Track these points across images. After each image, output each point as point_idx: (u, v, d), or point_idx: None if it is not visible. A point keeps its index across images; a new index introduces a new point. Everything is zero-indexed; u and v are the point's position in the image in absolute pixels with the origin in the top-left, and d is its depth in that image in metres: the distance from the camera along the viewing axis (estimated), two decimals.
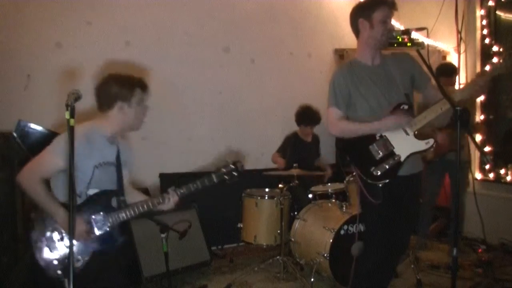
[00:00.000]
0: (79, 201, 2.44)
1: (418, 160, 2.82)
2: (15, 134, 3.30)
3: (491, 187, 5.09)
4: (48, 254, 2.36)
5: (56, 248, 2.39)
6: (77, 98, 1.96)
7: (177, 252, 3.91)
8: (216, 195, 4.98)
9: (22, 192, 3.32)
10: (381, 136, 2.69)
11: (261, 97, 5.57)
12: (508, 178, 5.00)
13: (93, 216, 2.45)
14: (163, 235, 3.08)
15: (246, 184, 4.67)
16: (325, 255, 3.76)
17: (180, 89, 5.09)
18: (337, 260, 3.75)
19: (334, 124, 2.81)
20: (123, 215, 2.51)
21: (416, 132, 2.70)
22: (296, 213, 4.43)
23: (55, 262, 2.36)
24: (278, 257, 4.19)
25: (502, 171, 5.07)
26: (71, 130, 1.87)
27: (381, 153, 2.67)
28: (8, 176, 3.34)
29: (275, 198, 4.33)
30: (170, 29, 4.99)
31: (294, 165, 4.42)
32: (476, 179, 5.21)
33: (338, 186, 4.55)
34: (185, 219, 3.93)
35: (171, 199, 2.63)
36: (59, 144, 2.40)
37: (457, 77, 4.71)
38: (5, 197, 3.31)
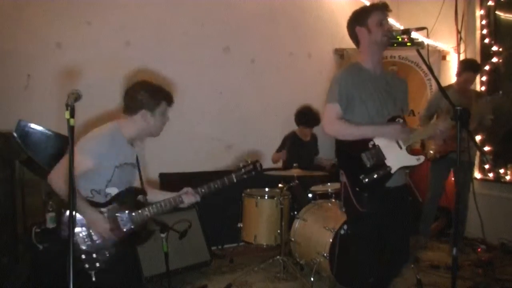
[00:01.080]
0: (98, 199, 2.56)
1: (403, 174, 2.82)
2: (15, 134, 3.30)
3: (490, 187, 5.10)
4: (76, 249, 2.45)
5: (83, 243, 2.50)
6: (77, 98, 1.96)
7: (177, 252, 3.91)
8: (216, 195, 5.00)
9: (22, 193, 3.34)
10: (374, 146, 2.68)
11: (261, 97, 5.57)
12: (508, 178, 5.01)
13: (118, 214, 2.57)
14: (163, 235, 3.08)
15: (246, 184, 4.67)
16: (325, 255, 3.77)
17: (180, 89, 5.07)
18: (337, 259, 3.75)
19: (331, 123, 2.74)
20: (146, 213, 2.65)
21: (408, 147, 2.71)
22: (296, 212, 4.43)
23: (83, 256, 2.48)
24: (278, 257, 4.19)
25: (502, 171, 5.07)
26: (71, 130, 1.87)
27: (372, 162, 2.65)
28: (8, 176, 3.34)
29: (275, 198, 4.34)
30: (170, 29, 4.99)
31: (294, 164, 4.42)
32: (476, 179, 5.22)
33: (338, 185, 4.53)
34: (185, 219, 3.93)
35: (191, 197, 2.77)
36: (86, 144, 2.51)
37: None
38: (5, 197, 3.31)
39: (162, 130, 2.81)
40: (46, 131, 3.53)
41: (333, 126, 2.74)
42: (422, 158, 2.70)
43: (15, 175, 3.38)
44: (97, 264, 2.49)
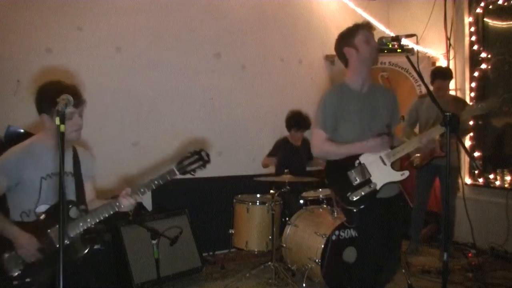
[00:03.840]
0: (29, 220, 2.36)
1: (394, 185, 2.87)
2: (4, 139, 3.28)
3: (480, 192, 5.14)
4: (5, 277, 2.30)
5: (13, 268, 2.31)
6: (67, 104, 1.95)
7: (168, 259, 3.89)
8: (207, 201, 5.01)
9: None
10: (359, 164, 2.77)
11: (252, 103, 5.57)
12: (497, 183, 5.05)
13: (49, 230, 2.33)
14: (154, 241, 3.06)
15: (237, 190, 4.67)
16: (317, 260, 3.77)
17: (171, 95, 5.08)
18: (329, 265, 3.75)
19: (318, 146, 2.89)
20: (81, 224, 2.37)
21: (392, 163, 2.77)
22: (287, 218, 4.43)
23: (15, 282, 2.29)
24: (269, 263, 4.18)
25: (491, 176, 5.11)
26: (61, 136, 1.85)
27: (358, 179, 2.74)
28: None
29: (266, 204, 4.34)
30: (161, 35, 4.99)
31: (286, 170, 4.42)
32: (466, 184, 5.25)
33: (329, 191, 4.54)
34: (176, 225, 3.92)
35: (129, 199, 2.42)
36: (3, 164, 2.37)
37: (450, 83, 4.79)
38: None
39: (78, 134, 2.49)
40: None
41: (320, 149, 2.90)
42: (406, 173, 2.77)
43: None
44: None
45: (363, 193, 2.71)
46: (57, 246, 2.28)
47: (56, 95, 2.13)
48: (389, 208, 2.82)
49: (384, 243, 2.79)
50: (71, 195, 2.50)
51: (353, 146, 2.77)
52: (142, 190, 2.47)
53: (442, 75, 4.62)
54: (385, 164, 2.76)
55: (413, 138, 2.79)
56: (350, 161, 2.78)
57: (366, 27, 2.84)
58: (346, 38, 2.85)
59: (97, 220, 2.40)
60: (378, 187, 2.72)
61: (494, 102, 3.02)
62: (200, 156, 2.65)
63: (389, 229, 2.82)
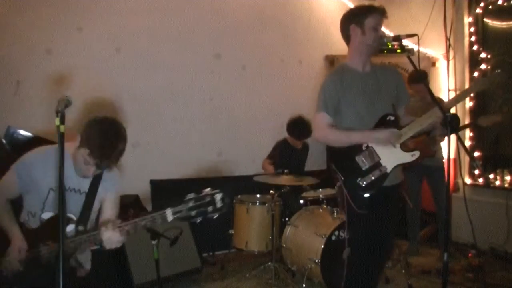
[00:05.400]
0: (33, 223, 2.38)
1: (399, 171, 2.82)
2: (4, 140, 3.28)
3: (480, 192, 5.12)
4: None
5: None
6: (67, 104, 1.94)
7: (168, 259, 3.88)
8: None
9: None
10: (367, 147, 2.68)
11: (252, 103, 5.57)
12: (497, 183, 5.04)
13: (42, 246, 2.29)
14: (154, 242, 3.05)
15: (237, 190, 4.67)
16: (317, 261, 3.76)
17: (171, 96, 5.08)
18: (329, 266, 3.75)
19: (321, 130, 2.78)
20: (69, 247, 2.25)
21: (401, 144, 2.69)
22: (287, 219, 4.42)
23: None
24: (269, 263, 4.18)
25: (491, 176, 5.10)
26: (61, 137, 1.85)
27: (367, 164, 2.66)
28: None
29: (266, 204, 4.33)
30: (161, 35, 4.99)
31: (285, 171, 4.41)
32: (466, 184, 5.24)
33: (330, 191, 4.55)
34: (176, 226, 3.90)
35: (111, 236, 2.19)
36: (18, 163, 2.41)
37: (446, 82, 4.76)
38: None
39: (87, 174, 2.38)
40: (36, 137, 3.50)
41: (323, 134, 2.78)
42: (416, 154, 2.69)
43: None
44: None
45: (373, 178, 2.63)
46: (40, 264, 2.27)
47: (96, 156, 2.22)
48: (393, 196, 2.77)
49: (383, 231, 2.76)
50: (75, 212, 2.43)
51: (359, 135, 2.67)
52: (127, 228, 2.21)
53: (421, 78, 4.55)
54: (394, 145, 2.66)
55: (420, 117, 2.68)
56: (358, 145, 2.69)
57: (381, 12, 2.74)
58: (357, 15, 2.75)
59: (79, 245, 2.30)
60: (388, 170, 2.64)
61: (498, 76, 2.91)
62: (212, 200, 2.08)
63: (389, 217, 2.80)
